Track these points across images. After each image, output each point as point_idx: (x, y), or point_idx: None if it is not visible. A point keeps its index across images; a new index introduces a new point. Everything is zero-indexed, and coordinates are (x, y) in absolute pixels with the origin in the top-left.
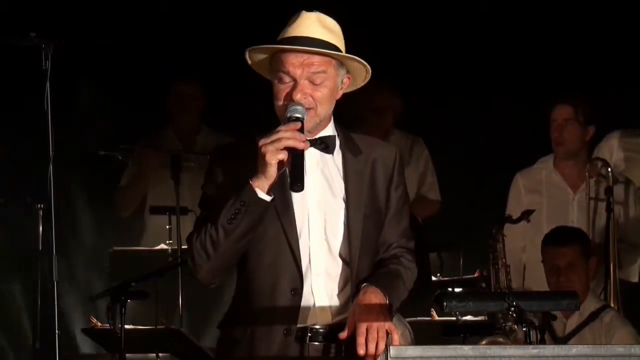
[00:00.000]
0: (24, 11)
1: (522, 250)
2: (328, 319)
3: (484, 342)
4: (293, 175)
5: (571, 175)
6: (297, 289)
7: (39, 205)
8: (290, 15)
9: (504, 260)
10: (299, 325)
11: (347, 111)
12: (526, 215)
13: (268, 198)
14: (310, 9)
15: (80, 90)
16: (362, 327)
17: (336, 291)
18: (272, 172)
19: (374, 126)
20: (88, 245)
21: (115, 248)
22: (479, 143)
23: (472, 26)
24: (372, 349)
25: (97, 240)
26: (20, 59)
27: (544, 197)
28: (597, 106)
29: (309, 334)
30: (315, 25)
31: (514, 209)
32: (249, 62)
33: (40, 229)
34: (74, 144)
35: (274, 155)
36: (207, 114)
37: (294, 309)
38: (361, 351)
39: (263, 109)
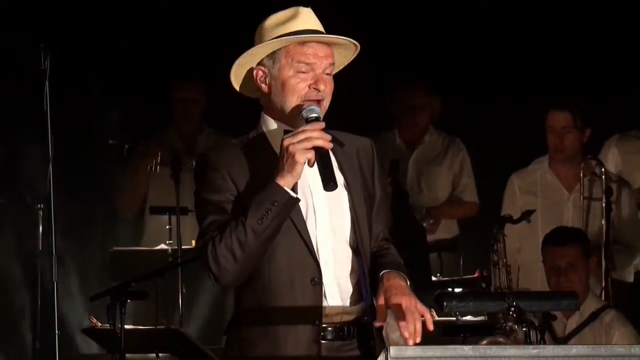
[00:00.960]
0: (23, 10)
1: (516, 251)
2: (338, 309)
3: (484, 342)
4: (325, 175)
5: (566, 176)
6: (316, 278)
7: (39, 205)
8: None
9: (504, 260)
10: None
11: (383, 108)
12: (527, 215)
13: (296, 195)
14: (331, 8)
15: (80, 90)
16: (400, 310)
17: (343, 279)
18: (300, 170)
19: (409, 124)
20: (88, 245)
21: (115, 248)
22: (479, 143)
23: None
24: (418, 327)
25: (97, 240)
26: (21, 58)
27: (539, 198)
28: (590, 108)
29: (321, 333)
30: (316, 20)
31: (509, 209)
32: (235, 82)
33: (40, 229)
34: (75, 144)
35: (303, 155)
36: (208, 114)
37: (317, 299)
38: (406, 333)
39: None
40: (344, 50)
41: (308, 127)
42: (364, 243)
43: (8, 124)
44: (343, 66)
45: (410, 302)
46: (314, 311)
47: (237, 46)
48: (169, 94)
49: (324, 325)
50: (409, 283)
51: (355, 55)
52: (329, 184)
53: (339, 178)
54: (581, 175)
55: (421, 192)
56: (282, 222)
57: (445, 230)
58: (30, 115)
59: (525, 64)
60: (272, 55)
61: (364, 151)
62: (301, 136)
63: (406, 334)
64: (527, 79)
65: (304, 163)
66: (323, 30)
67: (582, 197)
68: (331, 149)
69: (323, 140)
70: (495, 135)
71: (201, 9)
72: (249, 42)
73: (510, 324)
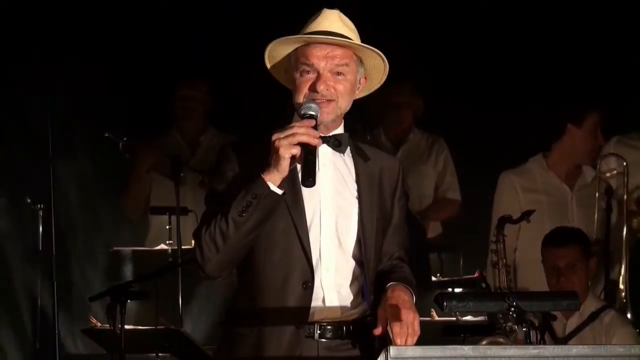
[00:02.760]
0: (24, 11)
1: (514, 251)
2: (337, 314)
3: (484, 342)
4: (305, 170)
5: (566, 175)
6: (308, 282)
7: (39, 205)
8: (300, 14)
9: (504, 260)
10: (309, 320)
11: (368, 107)
12: (526, 215)
13: (280, 191)
14: (328, 7)
15: (82, 90)
16: (397, 320)
17: (344, 287)
18: (285, 166)
19: (393, 122)
20: (88, 245)
21: (115, 248)
22: (478, 143)
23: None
24: (410, 341)
25: (98, 240)
26: (21, 58)
27: (544, 196)
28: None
29: (318, 331)
30: (338, 21)
31: (510, 208)
32: (268, 65)
33: (40, 229)
34: (75, 144)
35: (287, 150)
36: (212, 114)
37: (306, 303)
38: (399, 340)
39: (267, 109)
40: (370, 56)
41: (297, 123)
42: (367, 256)
43: (8, 124)
44: (382, 72)
45: (408, 317)
46: (301, 313)
47: (240, 46)
48: (173, 94)
49: (323, 324)
50: (414, 299)
51: (383, 60)
52: (307, 179)
53: (353, 188)
54: (598, 170)
55: (408, 189)
56: (265, 216)
57: (430, 229)
58: (31, 115)
59: (522, 64)
60: (290, 58)
61: (389, 171)
62: (288, 132)
63: (398, 341)
64: (523, 79)
65: (289, 158)
66: (339, 31)
67: (598, 192)
68: (354, 161)
69: (308, 136)
70: (488, 135)
71: (203, 9)
72: (253, 40)
73: (510, 324)
